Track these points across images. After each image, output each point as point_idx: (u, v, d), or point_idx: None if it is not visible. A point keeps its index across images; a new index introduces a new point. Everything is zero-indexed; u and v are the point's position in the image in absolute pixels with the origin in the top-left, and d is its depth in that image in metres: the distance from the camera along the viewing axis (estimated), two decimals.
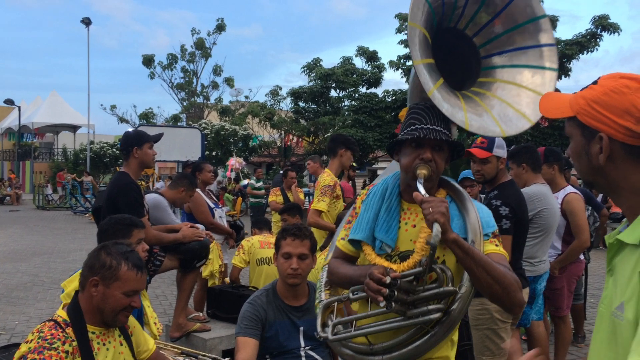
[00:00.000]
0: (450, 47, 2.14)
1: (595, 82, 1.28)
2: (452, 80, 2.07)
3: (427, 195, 1.78)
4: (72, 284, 2.85)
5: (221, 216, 5.78)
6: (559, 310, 4.49)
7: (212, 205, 5.62)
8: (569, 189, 4.48)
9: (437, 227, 1.70)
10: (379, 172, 25.38)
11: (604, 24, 16.91)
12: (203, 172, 5.66)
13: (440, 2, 2.00)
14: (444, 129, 1.92)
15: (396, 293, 1.76)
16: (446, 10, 2.05)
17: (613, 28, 16.93)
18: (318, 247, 3.43)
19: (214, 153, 23.80)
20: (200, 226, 5.02)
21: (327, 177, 4.86)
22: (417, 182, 1.84)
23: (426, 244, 1.82)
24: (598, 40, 17.12)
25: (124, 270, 2.14)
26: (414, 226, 1.97)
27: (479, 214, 1.92)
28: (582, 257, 4.65)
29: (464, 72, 2.16)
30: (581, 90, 1.30)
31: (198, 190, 5.48)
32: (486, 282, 1.75)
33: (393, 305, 1.76)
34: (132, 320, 2.45)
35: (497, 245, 1.89)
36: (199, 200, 5.44)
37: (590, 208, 5.38)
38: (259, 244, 4.90)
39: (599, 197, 9.24)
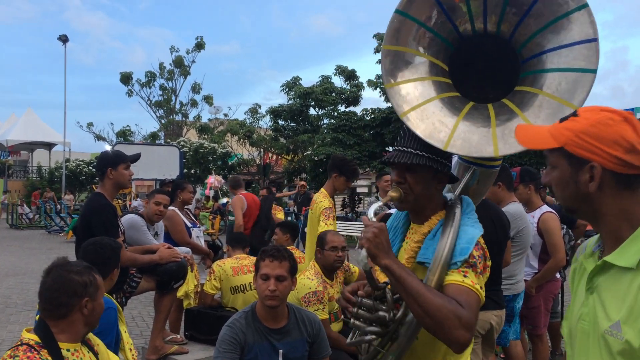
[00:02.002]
0: (483, 54, 2.01)
1: (575, 114, 1.33)
2: (484, 88, 2.00)
3: (374, 220, 1.84)
4: None
5: (199, 235, 5.74)
6: (536, 328, 4.52)
7: (190, 225, 5.59)
8: (545, 208, 4.55)
9: (363, 252, 1.76)
10: (358, 189, 25.43)
11: None
12: (185, 191, 5.64)
13: (442, 17, 1.90)
14: (417, 149, 1.89)
15: (357, 310, 1.87)
16: (458, 19, 1.93)
17: None
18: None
19: (192, 171, 23.65)
20: (184, 249, 4.97)
21: (323, 198, 4.70)
22: (370, 206, 1.91)
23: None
24: None
25: (98, 278, 2.30)
26: None
27: (458, 239, 1.82)
28: (558, 275, 4.71)
29: (500, 81, 2.00)
30: (560, 122, 1.35)
31: (176, 209, 5.48)
32: (416, 313, 1.69)
33: (352, 321, 1.88)
34: (95, 339, 2.46)
35: (465, 277, 1.74)
36: (175, 219, 5.41)
37: (565, 227, 5.46)
38: (232, 271, 4.72)
39: None
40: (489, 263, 1.86)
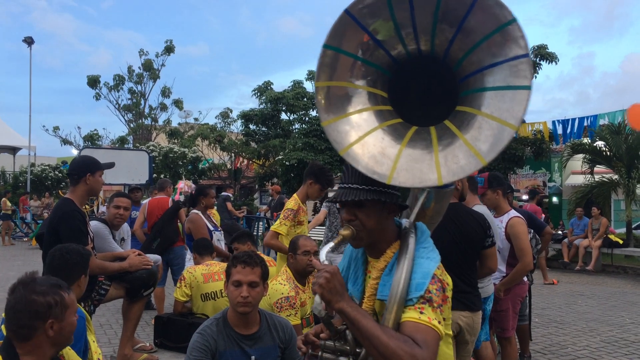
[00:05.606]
0: (421, 76, 1.98)
1: None
2: (426, 110, 1.96)
3: (325, 263, 1.82)
4: None
5: (220, 239, 5.99)
6: (505, 331, 4.60)
7: (212, 228, 5.91)
8: (512, 212, 4.63)
9: (317, 299, 1.75)
10: (330, 194, 25.45)
11: (542, 53, 17.69)
12: (207, 197, 6.05)
13: (370, 43, 1.86)
14: (362, 185, 1.86)
15: (321, 354, 1.91)
16: (390, 43, 1.88)
17: (550, 58, 17.73)
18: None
19: (162, 176, 23.32)
20: (154, 256, 4.94)
21: (291, 201, 4.77)
22: (320, 249, 1.92)
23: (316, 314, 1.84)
24: (537, 68, 17.89)
25: (67, 297, 2.15)
26: None
27: (413, 274, 1.79)
28: (525, 279, 4.80)
29: (441, 101, 1.96)
30: None
31: (199, 212, 5.88)
32: (373, 355, 1.70)
33: None
34: (66, 351, 2.39)
35: (422, 313, 1.72)
36: (199, 222, 5.78)
37: (532, 231, 5.56)
38: (203, 278, 4.70)
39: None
40: (449, 294, 1.84)
